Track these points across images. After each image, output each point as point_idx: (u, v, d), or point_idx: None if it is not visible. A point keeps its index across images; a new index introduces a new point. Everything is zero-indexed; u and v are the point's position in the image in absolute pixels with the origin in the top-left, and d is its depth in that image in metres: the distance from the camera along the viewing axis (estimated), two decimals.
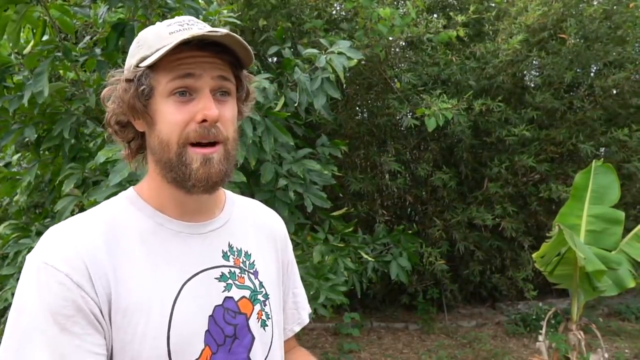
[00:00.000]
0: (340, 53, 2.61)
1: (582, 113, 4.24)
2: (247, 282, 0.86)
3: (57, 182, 2.38)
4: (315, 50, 2.66)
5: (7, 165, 2.92)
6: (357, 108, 4.81)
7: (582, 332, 2.89)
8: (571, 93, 4.48)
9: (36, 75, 2.11)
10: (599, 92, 4.22)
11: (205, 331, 0.78)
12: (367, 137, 4.57)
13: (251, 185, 2.59)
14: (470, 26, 4.13)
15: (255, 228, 0.94)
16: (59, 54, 2.22)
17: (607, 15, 4.06)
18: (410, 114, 3.92)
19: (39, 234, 2.41)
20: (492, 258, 4.64)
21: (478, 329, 4.76)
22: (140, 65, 0.77)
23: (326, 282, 2.73)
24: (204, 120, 0.75)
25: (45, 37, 2.32)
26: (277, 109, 2.58)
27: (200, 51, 0.75)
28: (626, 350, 4.15)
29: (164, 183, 0.80)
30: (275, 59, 3.74)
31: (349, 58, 2.62)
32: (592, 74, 4.50)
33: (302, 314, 1.04)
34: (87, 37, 2.56)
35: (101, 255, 0.73)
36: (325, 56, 2.60)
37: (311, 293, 2.66)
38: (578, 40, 4.05)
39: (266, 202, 2.56)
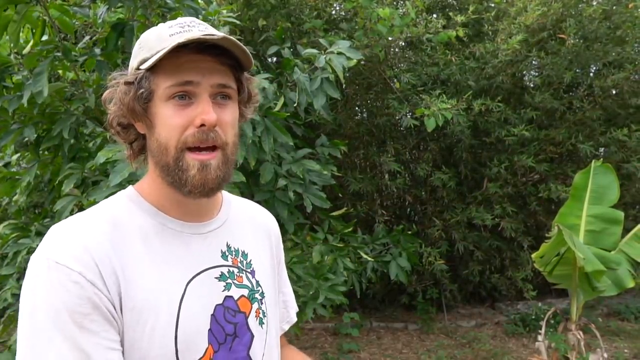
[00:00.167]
0: (339, 53, 2.60)
1: (582, 113, 4.25)
2: (245, 281, 0.87)
3: (57, 182, 2.38)
4: (314, 50, 2.66)
5: (7, 165, 2.92)
6: (357, 108, 4.82)
7: (581, 332, 2.90)
8: (570, 93, 4.48)
9: (35, 75, 2.11)
10: (599, 92, 4.22)
11: (208, 330, 0.79)
12: (366, 137, 4.57)
13: (250, 185, 2.59)
14: (470, 26, 4.13)
15: (251, 228, 0.95)
16: (59, 54, 2.22)
17: (606, 16, 4.07)
18: (410, 114, 3.92)
19: (39, 234, 2.40)
20: (491, 258, 4.65)
21: (477, 329, 4.76)
22: (140, 67, 0.78)
23: (325, 282, 2.73)
24: (203, 125, 0.75)
25: (44, 37, 2.32)
26: (277, 109, 2.58)
27: (200, 54, 0.75)
28: (625, 350, 4.16)
29: (164, 184, 0.80)
30: (274, 59, 3.74)
31: (349, 58, 2.62)
32: (591, 74, 4.51)
33: (291, 312, 1.06)
34: (87, 37, 2.56)
35: (108, 254, 0.73)
36: (324, 56, 2.60)
37: (310, 293, 2.66)
38: (577, 40, 4.05)
39: (266, 202, 2.57)
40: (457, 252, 4.43)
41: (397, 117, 4.45)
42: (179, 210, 0.82)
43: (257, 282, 0.89)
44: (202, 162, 0.76)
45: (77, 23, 2.60)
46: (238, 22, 2.82)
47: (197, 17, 2.30)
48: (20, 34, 2.24)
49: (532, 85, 4.49)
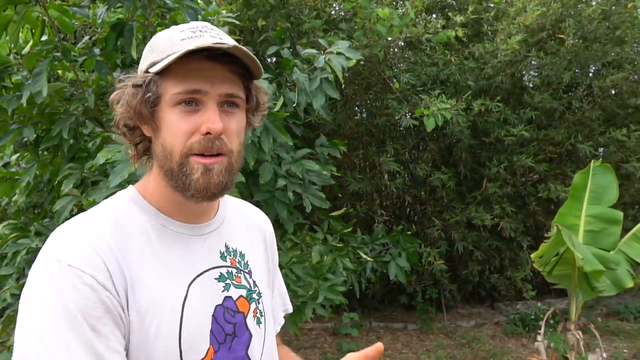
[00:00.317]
0: (339, 53, 2.61)
1: (581, 113, 4.25)
2: (243, 282, 0.88)
3: (56, 182, 2.38)
4: (314, 51, 2.66)
5: (6, 165, 2.92)
6: (356, 108, 4.82)
7: (580, 332, 2.90)
8: (570, 93, 4.48)
9: (35, 75, 2.11)
10: (598, 93, 4.23)
11: (209, 330, 0.79)
12: (366, 137, 4.57)
13: (250, 185, 2.59)
14: (469, 26, 4.13)
15: (247, 228, 0.96)
16: (58, 54, 2.22)
17: (605, 16, 4.07)
18: (409, 114, 3.92)
19: (38, 234, 2.40)
20: (490, 258, 4.65)
21: (477, 329, 4.76)
22: (149, 70, 0.78)
23: (325, 282, 2.74)
24: (208, 133, 0.75)
25: (44, 37, 2.32)
26: (276, 109, 2.58)
27: (210, 61, 0.75)
28: (625, 350, 4.16)
29: (167, 187, 0.80)
30: (274, 59, 3.74)
31: (348, 58, 2.62)
32: (590, 74, 4.51)
33: (281, 314, 1.08)
34: (86, 37, 2.56)
35: (115, 255, 0.73)
36: (324, 56, 2.60)
37: (310, 293, 2.66)
38: (577, 40, 4.06)
39: (265, 202, 2.57)
40: (456, 252, 4.43)
41: (396, 117, 4.45)
42: (179, 212, 0.83)
43: (255, 282, 0.90)
44: (205, 165, 0.76)
45: (76, 23, 2.60)
46: (237, 22, 2.82)
47: (197, 18, 2.30)
48: (20, 34, 2.24)
49: (531, 86, 4.49)
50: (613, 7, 4.07)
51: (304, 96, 2.58)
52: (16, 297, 2.27)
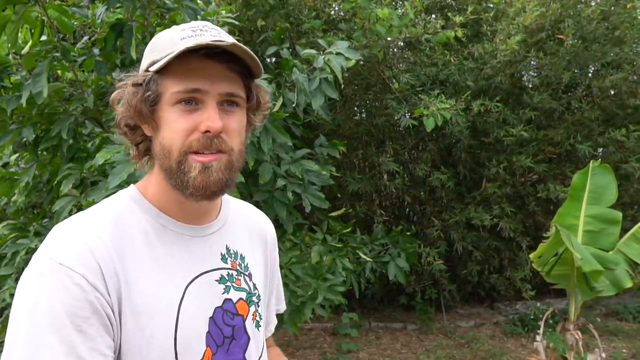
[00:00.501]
0: (338, 53, 2.61)
1: (580, 113, 4.25)
2: (243, 284, 0.88)
3: (55, 182, 2.37)
4: (313, 51, 2.66)
5: (5, 165, 2.92)
6: (356, 108, 4.82)
7: (579, 332, 2.90)
8: (569, 93, 4.48)
9: (35, 75, 2.11)
10: (597, 93, 4.23)
11: (207, 332, 0.79)
12: (365, 138, 4.57)
13: (249, 185, 2.59)
14: (469, 27, 4.13)
15: (248, 231, 0.96)
16: (57, 54, 2.22)
17: (604, 16, 4.07)
18: (409, 114, 3.92)
19: (37, 234, 2.40)
20: (490, 258, 4.65)
21: (476, 329, 4.76)
22: (149, 69, 0.78)
23: (324, 283, 2.74)
24: (207, 131, 0.74)
25: (43, 37, 2.32)
26: (276, 109, 2.58)
27: (209, 60, 0.75)
28: (624, 350, 4.17)
29: (167, 186, 0.80)
30: (273, 59, 3.74)
31: (347, 58, 2.62)
32: (589, 75, 4.51)
33: (276, 315, 1.08)
34: (86, 38, 2.56)
35: (111, 255, 0.73)
36: (323, 57, 2.60)
37: (309, 293, 2.66)
38: (576, 40, 4.06)
39: (265, 202, 2.57)
40: (455, 252, 4.43)
41: (396, 117, 4.45)
42: (180, 212, 0.82)
43: (254, 285, 0.90)
44: (203, 163, 0.75)
45: (75, 23, 2.60)
46: (237, 22, 2.82)
47: (196, 18, 2.30)
48: (19, 34, 2.24)
49: (530, 86, 4.49)
50: (612, 8, 4.07)
51: (304, 96, 2.58)
52: None
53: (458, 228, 4.40)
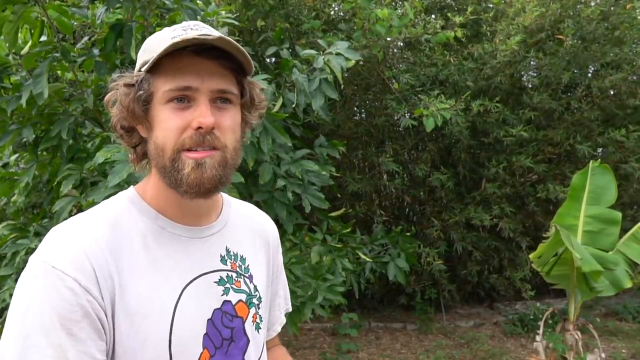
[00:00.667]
0: (338, 54, 2.61)
1: (580, 114, 4.25)
2: (243, 286, 0.87)
3: (55, 182, 2.38)
4: (313, 51, 2.67)
5: (5, 165, 2.92)
6: (355, 108, 4.82)
7: (579, 332, 2.90)
8: (569, 94, 4.49)
9: (35, 76, 2.11)
10: (597, 93, 4.23)
11: (204, 334, 0.79)
12: (365, 138, 4.57)
13: (249, 185, 2.59)
14: (468, 27, 4.14)
15: (250, 232, 0.95)
16: (57, 54, 2.22)
17: (604, 17, 4.07)
18: (408, 114, 3.93)
19: (37, 234, 2.40)
20: (489, 258, 4.65)
21: (476, 329, 4.77)
22: (141, 69, 0.78)
23: (324, 283, 2.74)
24: (200, 128, 0.74)
25: (43, 38, 2.32)
26: (275, 109, 2.58)
27: (200, 57, 0.75)
28: (623, 350, 4.17)
29: (164, 187, 0.80)
30: (273, 59, 3.74)
31: (347, 59, 2.62)
32: (589, 75, 4.51)
33: (283, 314, 1.08)
34: (85, 38, 2.55)
35: (106, 258, 0.73)
36: (323, 57, 2.60)
37: (309, 293, 2.67)
38: (575, 41, 4.06)
39: (264, 203, 2.58)
40: (455, 252, 4.43)
41: (395, 118, 4.45)
42: (178, 213, 0.82)
43: (255, 287, 0.90)
44: (196, 160, 0.75)
45: (75, 24, 2.60)
46: (237, 22, 2.82)
47: (196, 18, 2.30)
48: (19, 34, 2.24)
49: (530, 86, 4.49)
50: (612, 8, 4.07)
51: (303, 97, 2.58)
52: None
53: (458, 228, 4.40)
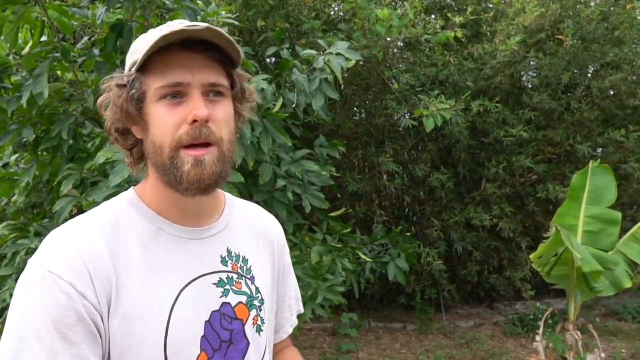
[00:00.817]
0: (338, 54, 2.61)
1: (579, 114, 4.26)
2: (244, 288, 0.86)
3: (56, 182, 2.38)
4: (313, 51, 2.67)
5: (5, 165, 2.92)
6: (355, 109, 4.82)
7: (579, 332, 2.90)
8: (568, 94, 4.49)
9: (35, 76, 2.11)
10: (596, 93, 4.23)
11: (202, 336, 0.78)
12: (365, 138, 4.58)
13: (249, 185, 2.59)
14: (468, 27, 4.14)
15: (253, 233, 0.94)
16: (57, 54, 2.22)
17: (604, 17, 4.08)
18: (408, 114, 3.93)
19: (37, 234, 2.40)
20: (489, 258, 4.65)
21: (476, 329, 4.77)
22: (131, 69, 0.78)
23: (324, 283, 2.74)
24: (195, 121, 0.74)
25: (43, 38, 2.32)
26: (275, 109, 2.59)
27: (188, 51, 0.75)
28: (623, 350, 4.17)
29: (162, 187, 0.80)
30: (273, 59, 3.74)
31: (347, 59, 2.62)
32: (589, 75, 4.51)
33: (294, 316, 1.06)
34: (85, 38, 2.56)
35: (104, 260, 0.73)
36: (323, 57, 2.61)
37: (309, 293, 2.67)
38: (575, 41, 4.06)
39: (264, 203, 2.58)
40: (455, 252, 4.43)
41: (395, 118, 4.45)
42: (178, 214, 0.82)
43: (257, 288, 0.88)
44: (195, 157, 0.75)
45: (75, 24, 2.61)
46: (237, 23, 2.82)
47: (196, 19, 2.30)
48: (19, 34, 2.24)
49: (530, 86, 4.49)
50: (612, 8, 4.07)
51: (303, 97, 2.58)
52: None
53: (457, 228, 4.40)
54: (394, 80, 4.20)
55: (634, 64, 4.11)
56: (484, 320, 4.93)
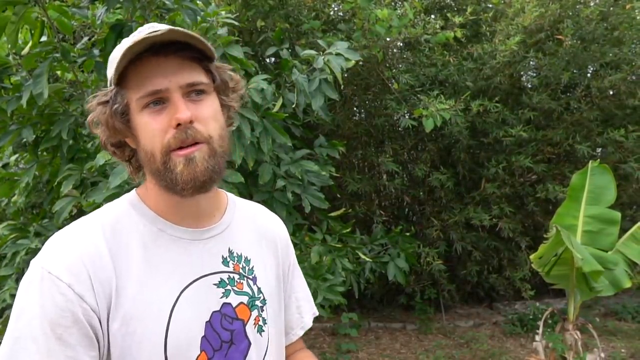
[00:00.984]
0: (338, 54, 2.61)
1: (579, 114, 4.26)
2: (246, 288, 0.86)
3: (56, 182, 2.38)
4: (313, 51, 2.67)
5: (5, 166, 2.92)
6: (355, 109, 4.82)
7: (578, 332, 2.90)
8: (568, 94, 4.49)
9: (35, 77, 2.11)
10: (596, 93, 4.23)
11: (202, 337, 0.78)
12: (364, 138, 4.58)
13: (249, 186, 2.60)
14: (468, 27, 4.14)
15: (256, 233, 0.94)
16: (57, 55, 2.22)
17: (603, 17, 4.08)
18: (408, 114, 3.93)
19: (37, 234, 2.41)
20: (489, 258, 4.65)
21: (475, 328, 4.77)
22: (111, 84, 0.79)
23: (324, 283, 2.74)
24: (179, 124, 0.74)
25: (43, 38, 2.32)
26: (275, 109, 2.59)
27: (159, 56, 0.75)
28: (622, 350, 4.17)
29: (161, 190, 0.80)
30: (273, 59, 3.75)
31: (347, 59, 2.63)
32: (588, 75, 4.52)
33: (306, 317, 1.05)
34: (85, 38, 2.56)
35: (105, 262, 0.74)
36: (323, 57, 2.61)
37: None
38: (575, 41, 4.07)
39: (264, 203, 2.57)
40: (455, 252, 4.43)
41: (395, 118, 4.46)
42: (178, 215, 0.82)
43: (259, 288, 0.88)
44: (186, 156, 0.75)
45: (75, 24, 2.61)
46: (236, 23, 2.82)
47: (196, 19, 2.30)
48: (19, 34, 2.25)
49: (529, 86, 4.49)
50: (611, 8, 4.08)
51: (303, 97, 2.59)
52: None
53: (457, 228, 4.41)
54: (393, 81, 4.20)
55: (633, 64, 4.11)
56: (483, 320, 4.94)
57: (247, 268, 0.88)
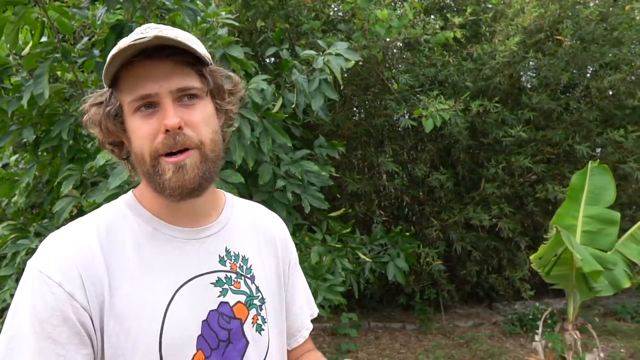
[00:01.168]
0: (337, 54, 2.62)
1: (579, 114, 4.26)
2: (243, 287, 0.86)
3: (56, 183, 2.38)
4: (312, 52, 2.67)
5: (5, 166, 2.92)
6: (355, 109, 4.83)
7: (578, 332, 2.91)
8: (567, 94, 4.49)
9: (36, 77, 2.11)
10: (595, 93, 4.24)
11: (198, 336, 0.78)
12: (364, 138, 4.58)
13: (249, 186, 2.60)
14: (467, 27, 4.14)
15: (254, 232, 0.94)
16: (58, 55, 2.22)
17: (603, 17, 4.08)
18: (408, 114, 3.94)
19: (37, 234, 2.41)
20: (489, 258, 4.66)
21: (475, 329, 4.77)
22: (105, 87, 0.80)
23: (324, 283, 2.75)
24: (168, 130, 0.74)
25: (43, 39, 2.33)
26: (275, 110, 2.59)
27: (151, 60, 0.74)
28: (622, 350, 4.18)
29: (153, 190, 0.80)
30: (273, 60, 3.75)
31: (347, 59, 2.63)
32: (588, 75, 4.52)
33: (308, 318, 1.05)
34: (86, 38, 2.56)
35: (97, 262, 0.74)
36: (322, 57, 2.61)
37: None
38: (574, 41, 4.07)
39: (264, 203, 2.57)
40: (454, 252, 4.44)
41: (395, 118, 4.46)
42: (173, 215, 0.82)
43: (257, 287, 0.88)
44: (176, 163, 0.75)
45: (75, 24, 2.61)
46: (236, 23, 2.83)
47: (196, 19, 2.31)
48: (20, 35, 2.25)
49: (529, 86, 4.50)
50: (611, 9, 4.08)
51: (303, 97, 2.59)
52: None
53: (457, 228, 4.41)
54: (393, 81, 4.20)
55: (632, 64, 4.12)
56: (483, 320, 4.94)
57: (244, 267, 0.88)
